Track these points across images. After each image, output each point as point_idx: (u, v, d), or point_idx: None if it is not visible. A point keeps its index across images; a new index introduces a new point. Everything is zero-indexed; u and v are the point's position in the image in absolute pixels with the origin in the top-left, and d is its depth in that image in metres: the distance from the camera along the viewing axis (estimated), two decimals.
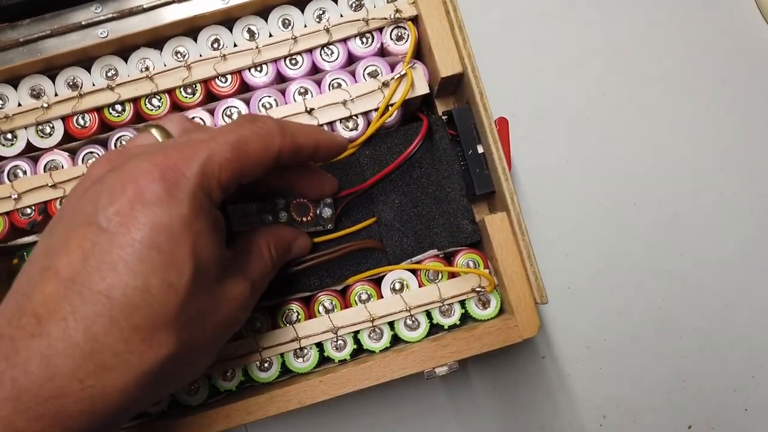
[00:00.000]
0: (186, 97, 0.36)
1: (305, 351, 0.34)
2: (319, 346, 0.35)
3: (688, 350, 0.44)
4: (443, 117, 0.36)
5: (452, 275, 0.35)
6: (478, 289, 0.34)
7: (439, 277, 0.35)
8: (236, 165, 0.26)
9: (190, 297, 0.24)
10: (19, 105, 0.35)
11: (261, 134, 0.27)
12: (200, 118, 0.35)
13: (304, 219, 0.33)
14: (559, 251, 0.45)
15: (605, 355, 0.44)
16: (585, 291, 0.44)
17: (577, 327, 0.44)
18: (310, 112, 0.35)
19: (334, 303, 0.35)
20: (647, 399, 0.44)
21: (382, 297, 0.35)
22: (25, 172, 0.35)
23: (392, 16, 0.35)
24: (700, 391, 0.44)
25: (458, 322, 0.35)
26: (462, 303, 0.35)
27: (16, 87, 0.35)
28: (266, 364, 0.34)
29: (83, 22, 0.34)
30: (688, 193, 0.46)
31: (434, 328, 0.35)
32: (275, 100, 0.35)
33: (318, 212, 0.34)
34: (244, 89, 0.36)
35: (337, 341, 0.34)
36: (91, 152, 0.35)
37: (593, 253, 0.45)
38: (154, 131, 0.28)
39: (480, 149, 0.35)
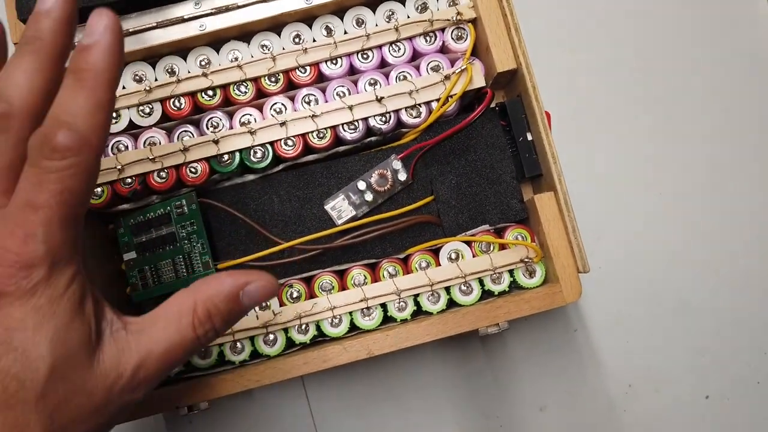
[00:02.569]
0: (269, 84, 0.40)
1: (371, 311, 0.39)
2: (383, 306, 0.39)
3: (706, 328, 0.48)
4: (496, 108, 0.41)
5: (503, 247, 0.39)
6: (525, 260, 0.38)
7: (491, 249, 0.39)
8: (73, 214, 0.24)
9: (50, 390, 0.23)
10: (124, 88, 0.40)
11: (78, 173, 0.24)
12: (282, 104, 0.40)
13: (387, 187, 0.38)
14: (591, 236, 0.49)
15: (632, 330, 0.48)
16: (614, 272, 0.49)
17: (606, 304, 0.49)
18: (379, 100, 0.39)
19: (396, 269, 0.39)
20: (669, 370, 0.48)
21: (439, 265, 0.39)
22: (126, 147, 0.40)
23: (454, 18, 0.40)
24: (717, 365, 0.48)
25: (507, 289, 0.39)
26: (510, 272, 0.39)
27: (121, 72, 0.40)
28: (336, 320, 0.39)
29: (185, 16, 0.39)
30: (714, 185, 0.51)
31: (485, 294, 0.39)
32: (348, 89, 0.40)
33: (396, 177, 0.38)
34: (321, 79, 0.41)
35: (399, 302, 0.39)
36: (185, 130, 0.40)
37: (623, 238, 0.49)
38: None
39: (529, 137, 0.40)
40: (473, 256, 0.39)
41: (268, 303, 0.39)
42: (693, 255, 0.49)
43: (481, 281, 0.39)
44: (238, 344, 0.39)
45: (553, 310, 0.49)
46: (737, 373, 0.48)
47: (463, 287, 0.39)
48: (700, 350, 0.48)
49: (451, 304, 0.39)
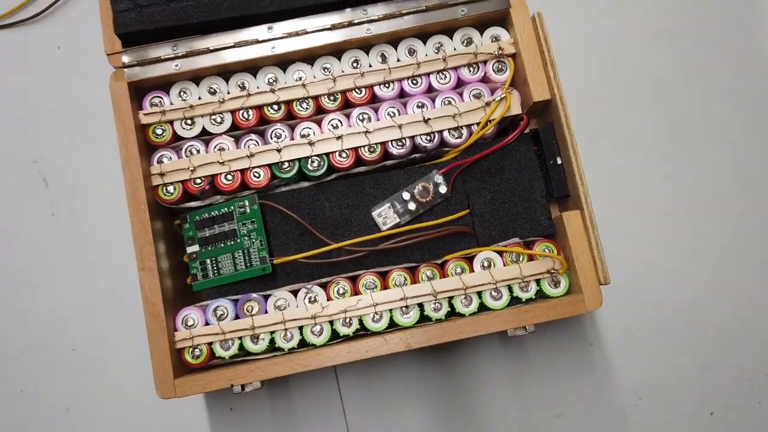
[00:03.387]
0: (328, 102, 0.45)
1: (409, 309, 0.43)
2: (420, 306, 0.43)
3: (714, 346, 0.52)
4: (530, 133, 0.45)
5: (531, 258, 0.43)
6: (552, 271, 0.42)
7: (521, 259, 0.43)
8: None
9: None
10: (200, 99, 0.45)
11: None
12: (338, 120, 0.45)
13: (428, 199, 0.43)
14: (606, 254, 0.53)
15: (643, 346, 0.52)
16: (628, 291, 0.53)
17: (620, 321, 0.52)
18: (426, 121, 0.44)
19: (434, 273, 0.44)
20: (677, 386, 0.51)
21: (473, 271, 0.43)
22: (198, 151, 0.45)
23: (496, 52, 0.45)
24: (722, 382, 0.51)
25: (533, 297, 0.43)
26: (537, 282, 0.43)
27: (198, 84, 0.45)
28: (377, 316, 0.43)
29: (259, 39, 0.44)
30: (725, 209, 0.55)
31: (513, 301, 0.43)
32: (398, 110, 0.45)
33: (436, 190, 0.43)
34: (374, 100, 0.46)
35: (435, 303, 0.43)
36: (251, 139, 0.45)
37: (637, 258, 0.53)
38: None
39: (559, 160, 0.44)
40: (504, 265, 0.43)
41: (316, 296, 0.43)
42: (703, 275, 0.53)
43: (510, 288, 0.43)
44: (288, 333, 0.43)
45: (571, 325, 0.53)
46: (741, 392, 0.51)
47: (493, 293, 0.43)
48: (707, 367, 0.52)
49: (482, 308, 0.43)
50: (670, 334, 0.52)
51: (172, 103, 0.45)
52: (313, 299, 0.43)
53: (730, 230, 0.54)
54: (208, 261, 0.45)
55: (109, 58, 0.44)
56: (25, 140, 0.58)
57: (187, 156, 0.45)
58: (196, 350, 0.43)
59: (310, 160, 0.44)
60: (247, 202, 0.44)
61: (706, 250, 0.54)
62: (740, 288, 0.53)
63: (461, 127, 0.44)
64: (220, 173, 0.44)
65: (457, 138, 0.45)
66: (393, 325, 0.43)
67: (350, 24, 0.44)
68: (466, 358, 0.52)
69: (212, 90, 0.45)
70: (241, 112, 0.45)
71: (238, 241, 0.44)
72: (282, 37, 0.44)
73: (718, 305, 0.53)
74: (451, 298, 0.43)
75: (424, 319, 0.43)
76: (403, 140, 0.44)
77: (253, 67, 0.45)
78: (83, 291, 0.55)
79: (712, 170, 0.55)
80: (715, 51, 0.58)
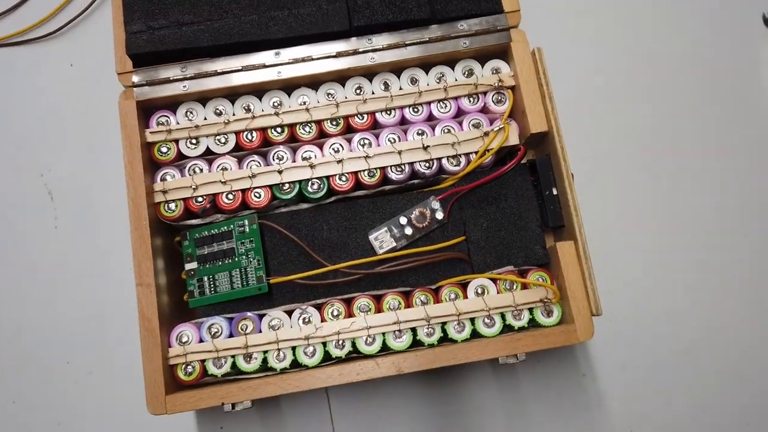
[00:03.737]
0: (331, 127, 0.46)
1: (402, 333, 0.43)
2: (413, 331, 0.43)
3: (708, 385, 0.52)
4: (527, 163, 0.46)
5: (525, 286, 0.44)
6: (545, 300, 0.43)
7: (514, 287, 0.44)
8: None
9: None
10: (205, 119, 0.46)
11: None
12: (340, 144, 0.46)
13: (425, 224, 0.43)
14: (602, 289, 0.53)
15: (636, 379, 0.52)
16: (623, 324, 0.53)
17: (614, 353, 0.52)
18: (425, 148, 0.45)
19: (428, 298, 0.44)
20: (669, 421, 0.51)
21: (467, 297, 0.44)
22: (201, 170, 0.46)
23: (496, 84, 0.46)
24: (716, 423, 0.51)
25: (526, 325, 0.43)
26: (530, 310, 0.43)
27: (204, 105, 0.46)
28: (370, 339, 0.43)
29: (266, 63, 0.45)
30: (723, 248, 0.55)
31: (506, 329, 0.44)
32: (398, 137, 0.46)
33: (433, 216, 0.43)
34: (375, 126, 0.47)
35: (428, 328, 0.43)
36: (254, 160, 0.46)
37: (632, 292, 0.53)
38: None
39: (554, 191, 0.45)
40: (497, 293, 0.44)
41: (310, 317, 0.43)
42: (698, 313, 0.53)
43: (503, 316, 0.43)
44: (281, 353, 0.43)
45: (563, 356, 0.53)
46: None
47: (486, 320, 0.43)
48: (700, 406, 0.52)
49: (475, 335, 0.43)
50: (665, 371, 0.52)
51: (178, 123, 0.46)
52: (307, 320, 0.44)
53: (730, 270, 0.54)
54: (206, 278, 0.45)
55: (120, 77, 0.46)
56: (34, 153, 0.59)
57: (190, 174, 0.46)
58: (189, 367, 0.43)
59: (310, 182, 0.45)
60: (246, 222, 0.45)
61: (705, 288, 0.54)
62: (739, 329, 0.53)
63: (460, 155, 0.45)
64: (222, 192, 0.45)
65: (455, 166, 0.45)
66: (385, 349, 0.43)
67: (355, 52, 0.46)
68: (458, 384, 0.52)
69: (218, 111, 0.46)
70: (246, 133, 0.46)
71: (236, 259, 0.45)
72: (288, 63, 0.46)
73: (715, 345, 0.53)
74: (444, 323, 0.43)
75: (416, 343, 0.43)
76: (403, 166, 0.45)
77: (259, 91, 0.47)
78: (81, 304, 0.56)
79: (711, 209, 0.56)
80: (713, 96, 0.59)
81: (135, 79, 0.45)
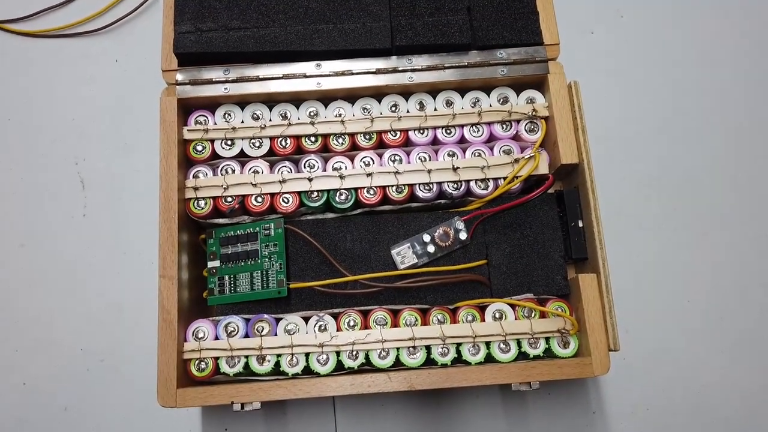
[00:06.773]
0: (363, 141, 0.47)
1: (416, 350, 0.43)
2: (428, 349, 0.43)
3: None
4: (554, 193, 0.46)
5: (543, 315, 0.44)
6: (562, 330, 0.43)
7: (533, 315, 0.44)
8: None
9: None
10: (243, 122, 0.47)
11: None
12: (371, 158, 0.46)
13: (448, 243, 0.44)
14: (620, 328, 0.53)
15: (647, 423, 0.51)
16: (637, 365, 0.52)
17: (626, 394, 0.52)
18: (455, 170, 0.46)
19: (445, 317, 0.44)
20: None
21: (484, 321, 0.44)
22: (233, 171, 0.47)
23: (530, 113, 0.46)
24: None
25: (542, 354, 0.43)
26: (547, 340, 0.43)
27: (243, 108, 0.48)
28: (384, 353, 0.43)
29: (307, 74, 0.47)
30: (742, 298, 0.54)
31: (521, 356, 0.43)
32: (429, 156, 0.47)
33: (457, 236, 0.44)
34: (407, 144, 0.48)
35: (443, 347, 0.43)
36: (285, 166, 0.47)
37: (650, 335, 0.53)
38: None
39: (580, 224, 0.45)
40: (515, 319, 0.44)
41: (326, 325, 0.44)
42: (718, 363, 0.53)
43: (519, 342, 0.43)
44: (294, 358, 0.43)
45: (575, 389, 0.52)
46: None
47: (502, 345, 0.43)
48: None
49: (489, 358, 0.43)
50: (676, 418, 0.51)
51: (215, 123, 0.47)
52: (323, 328, 0.44)
53: (751, 320, 0.54)
54: (227, 277, 0.46)
55: (164, 74, 0.47)
56: (72, 141, 0.61)
57: (222, 174, 0.46)
58: (202, 363, 0.43)
59: (338, 192, 0.46)
60: (272, 225, 0.46)
61: (723, 337, 0.54)
62: (756, 381, 0.52)
63: (488, 179, 0.46)
64: (251, 194, 0.46)
65: (483, 189, 0.46)
66: (398, 364, 0.43)
67: (394, 70, 0.47)
68: (465, 407, 0.51)
69: (255, 116, 0.47)
70: (280, 139, 0.47)
71: (259, 261, 0.45)
72: (328, 75, 0.47)
73: (730, 396, 0.52)
74: (459, 344, 0.43)
75: (429, 361, 0.43)
76: (431, 185, 0.46)
77: (297, 99, 0.48)
78: (100, 293, 0.56)
79: (738, 258, 0.56)
80: (751, 143, 0.60)
81: (179, 77, 0.47)
